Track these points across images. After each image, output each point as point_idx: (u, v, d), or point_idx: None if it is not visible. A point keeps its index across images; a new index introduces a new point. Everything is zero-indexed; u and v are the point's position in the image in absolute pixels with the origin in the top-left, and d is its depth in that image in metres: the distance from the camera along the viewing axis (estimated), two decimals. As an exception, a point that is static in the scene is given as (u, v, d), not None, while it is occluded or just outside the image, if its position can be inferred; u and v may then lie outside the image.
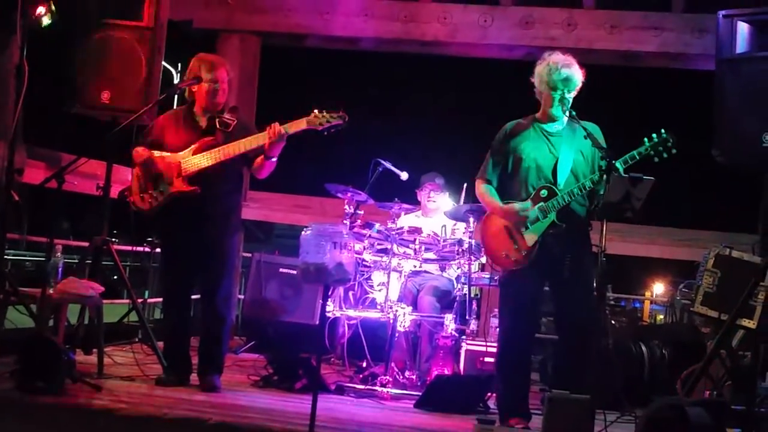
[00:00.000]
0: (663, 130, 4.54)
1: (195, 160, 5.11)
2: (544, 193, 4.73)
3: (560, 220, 4.71)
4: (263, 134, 5.05)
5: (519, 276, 4.79)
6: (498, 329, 5.15)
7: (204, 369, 5.25)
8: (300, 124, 5.04)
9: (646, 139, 4.55)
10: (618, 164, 4.50)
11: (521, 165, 4.82)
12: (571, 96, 4.76)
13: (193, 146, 5.15)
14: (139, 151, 5.25)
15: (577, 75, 4.76)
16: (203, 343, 5.31)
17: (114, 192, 5.70)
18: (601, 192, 4.61)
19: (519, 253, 4.75)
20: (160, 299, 5.64)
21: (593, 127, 4.79)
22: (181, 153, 5.16)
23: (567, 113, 4.70)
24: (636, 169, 4.58)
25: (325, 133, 5.02)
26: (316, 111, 5.01)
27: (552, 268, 4.75)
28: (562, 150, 4.78)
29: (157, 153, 5.21)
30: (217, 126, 5.24)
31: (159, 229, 5.48)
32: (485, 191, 4.93)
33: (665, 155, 4.53)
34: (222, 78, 5.23)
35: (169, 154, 5.19)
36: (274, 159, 5.14)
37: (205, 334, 5.33)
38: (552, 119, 4.83)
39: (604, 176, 4.43)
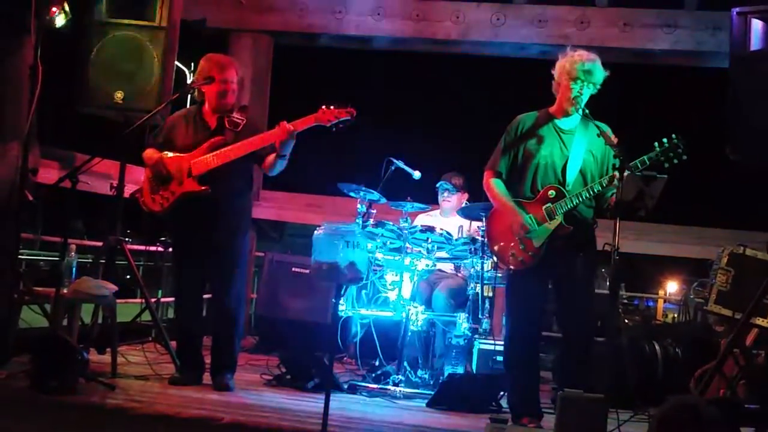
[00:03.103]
0: (674, 135, 4.50)
1: (205, 160, 5.12)
2: (552, 193, 4.72)
3: (567, 223, 4.69)
4: (272, 132, 5.06)
5: (525, 275, 4.78)
6: (504, 328, 5.15)
7: (217, 368, 5.26)
8: (308, 121, 5.05)
9: (656, 144, 4.52)
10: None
11: (531, 161, 4.80)
12: (589, 91, 4.73)
13: (203, 146, 5.16)
14: (150, 153, 5.28)
15: (599, 70, 4.74)
16: (215, 342, 5.32)
17: (128, 192, 5.72)
18: (609, 194, 4.62)
19: (526, 254, 4.74)
20: (174, 299, 5.65)
21: (604, 128, 4.77)
22: (191, 153, 5.18)
23: (580, 111, 4.69)
24: (648, 168, 4.56)
25: (334, 129, 5.03)
26: (324, 107, 5.02)
27: (556, 267, 4.74)
28: (573, 148, 4.76)
29: (167, 153, 5.23)
30: (227, 125, 5.25)
31: (170, 228, 5.49)
32: (494, 185, 4.90)
33: (675, 161, 4.50)
34: (232, 78, 5.24)
35: (179, 154, 5.21)
36: (286, 157, 5.15)
37: (217, 334, 5.34)
38: (566, 114, 4.81)
39: (617, 175, 4.42)
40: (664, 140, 4.51)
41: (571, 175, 4.72)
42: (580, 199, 4.66)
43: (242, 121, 5.29)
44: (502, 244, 4.85)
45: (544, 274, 4.81)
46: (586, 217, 4.79)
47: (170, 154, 5.22)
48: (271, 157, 5.17)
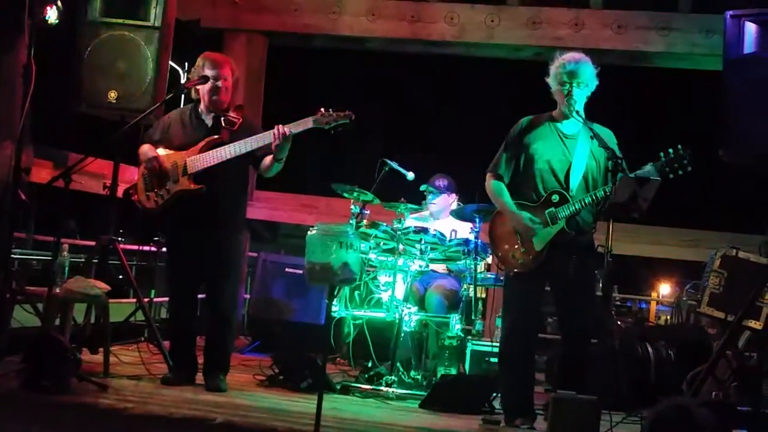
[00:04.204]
0: (680, 146, 4.51)
1: (201, 159, 5.11)
2: (555, 198, 4.71)
3: (569, 228, 4.70)
4: (269, 133, 5.05)
5: (524, 277, 4.78)
6: (501, 329, 5.15)
7: (209, 368, 5.25)
8: (306, 123, 5.04)
9: (662, 154, 4.52)
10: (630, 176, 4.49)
11: (534, 164, 4.79)
12: (582, 91, 4.73)
13: (198, 144, 5.15)
14: (145, 149, 5.27)
15: (583, 68, 4.73)
16: (209, 342, 5.31)
17: (120, 191, 5.71)
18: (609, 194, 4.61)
19: (527, 257, 4.75)
20: (167, 298, 5.64)
21: (607, 133, 4.77)
22: (186, 151, 5.17)
23: (575, 114, 4.68)
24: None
25: (332, 132, 5.01)
26: (322, 110, 5.01)
27: (556, 270, 4.74)
28: (577, 154, 4.75)
29: (162, 151, 5.22)
30: (223, 124, 5.24)
31: (164, 227, 5.48)
32: (497, 189, 4.89)
33: (680, 172, 4.51)
34: (226, 76, 5.23)
35: (174, 152, 5.21)
36: (282, 159, 5.14)
37: (210, 334, 5.33)
38: (566, 117, 4.81)
39: (610, 177, 4.42)
40: (670, 150, 4.51)
41: (575, 181, 4.72)
42: (583, 204, 4.66)
43: (238, 120, 5.28)
44: (504, 246, 4.85)
45: (543, 277, 4.81)
46: (587, 222, 4.79)
47: (165, 152, 5.22)
48: (268, 159, 5.16)
